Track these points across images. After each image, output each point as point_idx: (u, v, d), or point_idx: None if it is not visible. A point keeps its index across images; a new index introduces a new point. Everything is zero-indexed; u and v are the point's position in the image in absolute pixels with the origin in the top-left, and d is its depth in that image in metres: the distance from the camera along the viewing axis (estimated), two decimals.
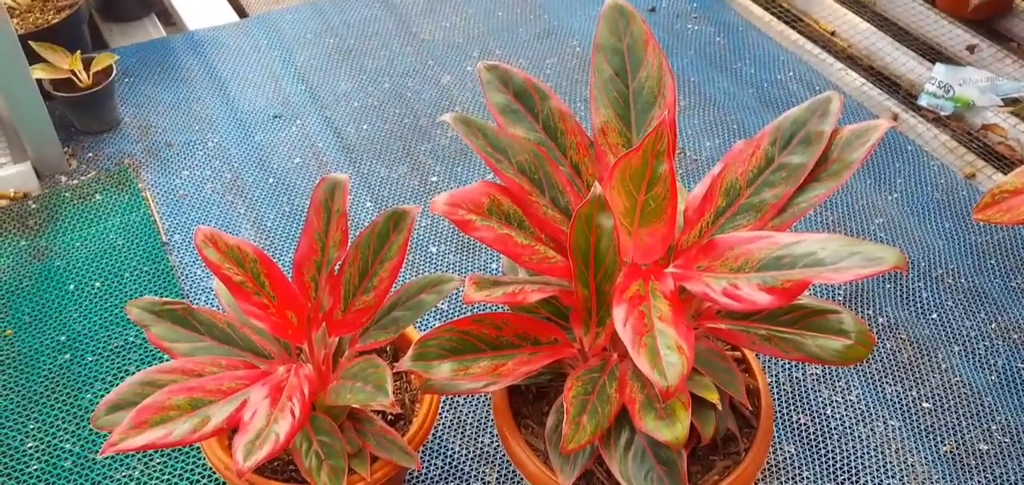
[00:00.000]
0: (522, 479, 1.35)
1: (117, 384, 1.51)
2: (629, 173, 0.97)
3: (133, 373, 1.52)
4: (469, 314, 1.07)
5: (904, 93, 2.21)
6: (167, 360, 1.14)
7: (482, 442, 1.44)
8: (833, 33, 2.43)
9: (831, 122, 1.03)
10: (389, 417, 1.25)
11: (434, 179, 1.95)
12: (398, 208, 1.10)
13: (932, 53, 2.33)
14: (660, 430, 0.95)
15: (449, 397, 1.50)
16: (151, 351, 1.56)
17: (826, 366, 1.55)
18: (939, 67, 2.23)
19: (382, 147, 2.03)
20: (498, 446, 1.44)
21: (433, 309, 1.63)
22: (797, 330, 1.03)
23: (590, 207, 0.98)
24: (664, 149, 0.96)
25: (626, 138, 1.07)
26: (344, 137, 2.06)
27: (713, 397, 1.04)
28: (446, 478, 1.40)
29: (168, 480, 1.38)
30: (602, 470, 1.13)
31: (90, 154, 1.99)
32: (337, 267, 1.14)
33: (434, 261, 1.76)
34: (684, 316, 0.93)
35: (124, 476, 1.39)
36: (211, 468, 1.39)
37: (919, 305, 1.67)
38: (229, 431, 1.13)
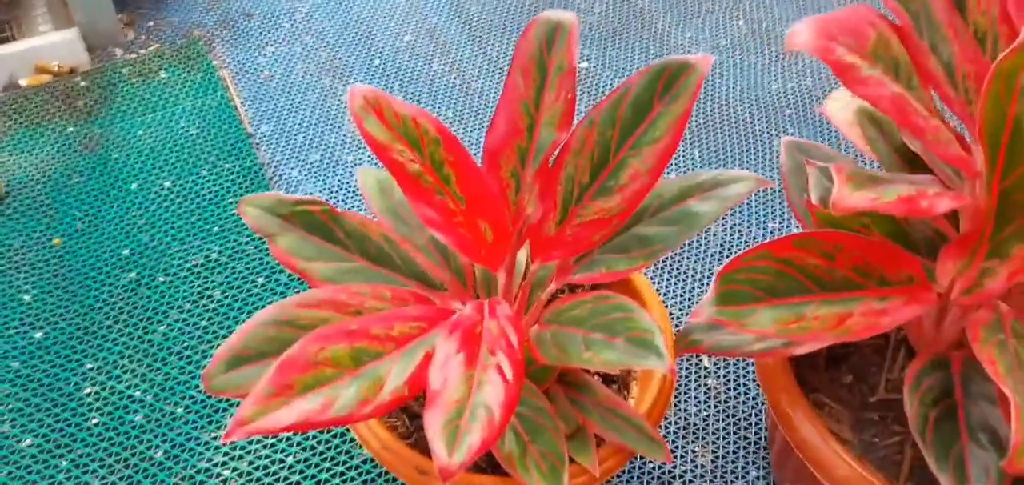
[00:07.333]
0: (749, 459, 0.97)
1: (198, 314, 1.14)
2: None
3: (219, 301, 1.15)
4: (780, 237, 0.68)
5: None
6: (293, 288, 0.76)
7: (737, 414, 1.06)
8: None
9: None
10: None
11: (584, 65, 1.54)
12: (673, 59, 0.69)
13: None
14: None
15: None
16: (240, 273, 1.19)
17: None
18: None
19: (511, 22, 1.62)
20: (754, 421, 1.06)
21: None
22: None
23: (1016, 60, 0.59)
24: None
25: None
26: (463, 10, 1.65)
27: None
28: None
29: (279, 458, 1.02)
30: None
31: (150, 23, 1.60)
32: (552, 158, 0.76)
33: None
34: None
35: (211, 437, 1.03)
36: (356, 448, 1.02)
37: None
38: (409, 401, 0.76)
